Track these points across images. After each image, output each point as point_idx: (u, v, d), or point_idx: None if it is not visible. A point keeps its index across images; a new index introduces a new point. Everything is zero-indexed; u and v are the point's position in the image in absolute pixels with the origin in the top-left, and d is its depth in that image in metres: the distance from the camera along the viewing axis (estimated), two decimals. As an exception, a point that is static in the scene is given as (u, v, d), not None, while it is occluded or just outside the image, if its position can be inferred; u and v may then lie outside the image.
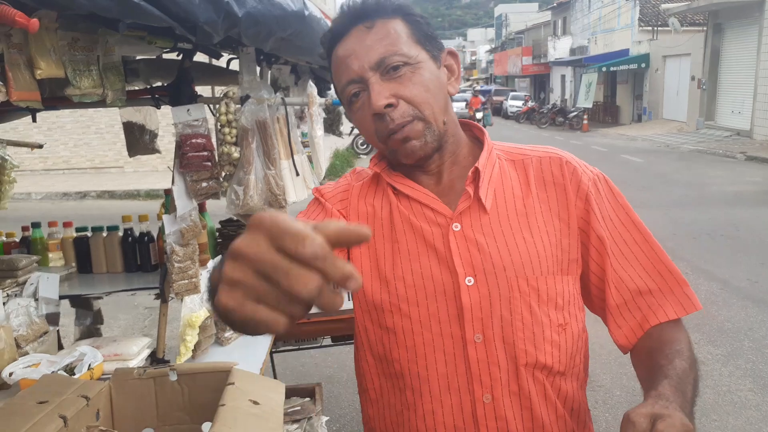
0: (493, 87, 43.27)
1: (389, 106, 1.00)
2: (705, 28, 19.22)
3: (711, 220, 8.08)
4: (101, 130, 13.46)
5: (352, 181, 1.19)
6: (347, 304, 2.86)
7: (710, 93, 18.64)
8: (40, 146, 2.78)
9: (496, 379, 1.02)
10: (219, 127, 2.03)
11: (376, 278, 1.08)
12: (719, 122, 18.24)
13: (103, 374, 1.86)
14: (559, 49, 36.06)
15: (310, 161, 2.44)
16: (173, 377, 1.61)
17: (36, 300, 2.05)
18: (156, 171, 12.66)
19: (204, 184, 2.00)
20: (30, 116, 2.29)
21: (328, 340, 3.18)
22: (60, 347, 2.37)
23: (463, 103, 26.15)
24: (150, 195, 11.21)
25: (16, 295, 2.03)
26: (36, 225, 2.58)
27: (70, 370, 1.82)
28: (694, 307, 1.06)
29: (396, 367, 1.07)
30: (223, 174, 2.05)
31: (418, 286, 1.04)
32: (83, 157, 14.06)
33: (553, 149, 1.14)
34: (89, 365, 1.82)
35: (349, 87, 1.04)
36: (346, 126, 19.06)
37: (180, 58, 2.00)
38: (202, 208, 2.58)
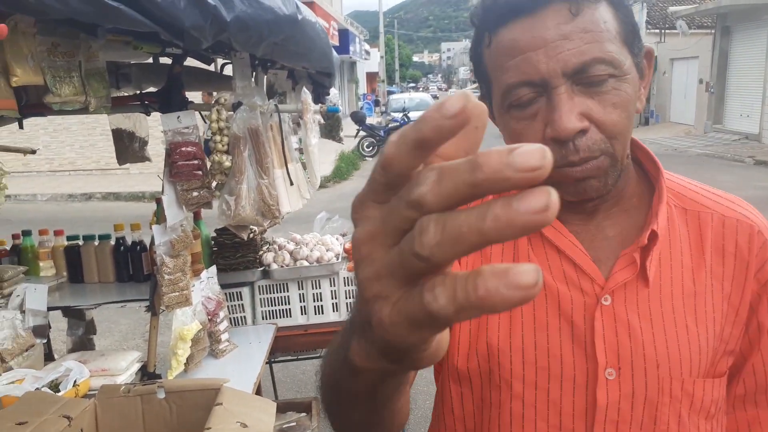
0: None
1: (581, 132, 0.75)
2: (713, 31, 19.06)
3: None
4: (107, 132, 13.25)
5: None
6: (334, 316, 2.78)
7: (718, 96, 18.47)
8: (33, 152, 2.73)
9: None
10: (210, 135, 1.97)
11: (476, 347, 0.84)
12: (727, 126, 18.06)
13: (89, 390, 1.80)
14: (566, 51, 35.91)
15: (305, 168, 2.38)
16: (161, 395, 1.56)
17: (23, 312, 2.00)
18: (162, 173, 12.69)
19: (195, 194, 1.94)
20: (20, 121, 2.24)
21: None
22: (52, 358, 2.32)
23: None
24: (155, 197, 11.20)
25: (0, 308, 1.98)
26: (27, 233, 2.53)
27: (55, 386, 1.76)
28: None
29: None
30: (215, 183, 1.99)
31: (541, 365, 0.81)
32: (89, 159, 14.05)
33: (740, 205, 0.88)
34: (75, 381, 1.77)
35: (521, 90, 0.76)
36: (347, 130, 19.04)
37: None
38: (197, 217, 2.52)
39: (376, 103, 31.41)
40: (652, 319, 0.80)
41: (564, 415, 0.81)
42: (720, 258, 0.84)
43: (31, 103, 1.66)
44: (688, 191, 0.88)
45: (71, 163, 14.09)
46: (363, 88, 38.93)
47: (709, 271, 0.83)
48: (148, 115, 2.13)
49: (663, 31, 24.74)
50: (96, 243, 2.51)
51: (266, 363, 2.50)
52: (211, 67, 2.54)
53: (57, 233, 2.56)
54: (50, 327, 2.27)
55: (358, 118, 16.47)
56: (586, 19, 0.74)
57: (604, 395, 0.79)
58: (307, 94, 2.13)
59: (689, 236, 0.85)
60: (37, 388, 1.70)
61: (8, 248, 2.57)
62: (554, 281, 0.83)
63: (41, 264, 2.48)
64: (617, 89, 0.75)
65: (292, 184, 2.16)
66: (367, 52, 37.51)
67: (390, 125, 17.71)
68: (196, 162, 1.86)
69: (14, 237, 2.57)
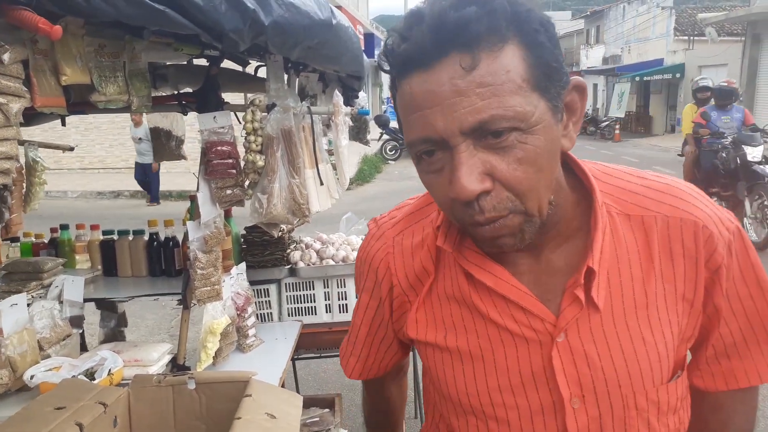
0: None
1: (484, 193, 0.71)
2: (743, 39, 18.78)
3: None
4: (135, 132, 13.70)
5: (394, 253, 0.94)
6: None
7: (747, 105, 18.15)
8: (71, 149, 2.82)
9: None
10: (245, 135, 2.02)
11: (453, 388, 0.89)
12: (757, 134, 17.79)
13: (122, 379, 1.86)
14: (592, 57, 35.63)
15: (334, 169, 2.42)
16: (191, 386, 1.60)
17: (60, 303, 2.07)
18: (188, 172, 12.83)
19: (228, 192, 1.99)
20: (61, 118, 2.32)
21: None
22: (85, 349, 2.39)
23: None
24: (181, 196, 11.36)
25: (40, 298, 2.05)
26: (64, 227, 2.61)
27: (90, 374, 1.82)
28: None
29: None
30: (248, 182, 2.04)
31: (509, 405, 0.84)
32: (118, 158, 14.34)
33: (681, 198, 0.84)
34: (109, 370, 1.82)
35: (424, 145, 0.73)
36: (373, 133, 19.05)
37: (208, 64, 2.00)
38: (227, 214, 2.58)
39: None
40: (609, 343, 0.81)
41: None
42: (669, 261, 0.82)
43: (76, 101, 1.73)
44: (628, 193, 0.85)
45: (101, 161, 14.41)
46: (387, 91, 39.03)
47: (659, 276, 0.82)
48: (185, 115, 2.20)
49: (691, 38, 24.43)
50: (130, 238, 2.58)
51: (290, 359, 2.55)
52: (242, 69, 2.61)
53: (93, 228, 2.65)
54: (84, 318, 2.34)
55: (381, 122, 16.51)
56: (483, 71, 0.67)
57: (573, 422, 0.82)
58: (338, 97, 2.18)
59: (636, 243, 0.83)
60: (74, 376, 1.76)
61: (46, 241, 2.66)
62: (505, 324, 0.83)
63: (77, 257, 2.56)
64: (523, 143, 0.70)
65: (322, 183, 2.21)
66: (392, 56, 37.47)
67: (413, 129, 17.73)
68: (230, 161, 1.92)
69: (52, 230, 2.66)
